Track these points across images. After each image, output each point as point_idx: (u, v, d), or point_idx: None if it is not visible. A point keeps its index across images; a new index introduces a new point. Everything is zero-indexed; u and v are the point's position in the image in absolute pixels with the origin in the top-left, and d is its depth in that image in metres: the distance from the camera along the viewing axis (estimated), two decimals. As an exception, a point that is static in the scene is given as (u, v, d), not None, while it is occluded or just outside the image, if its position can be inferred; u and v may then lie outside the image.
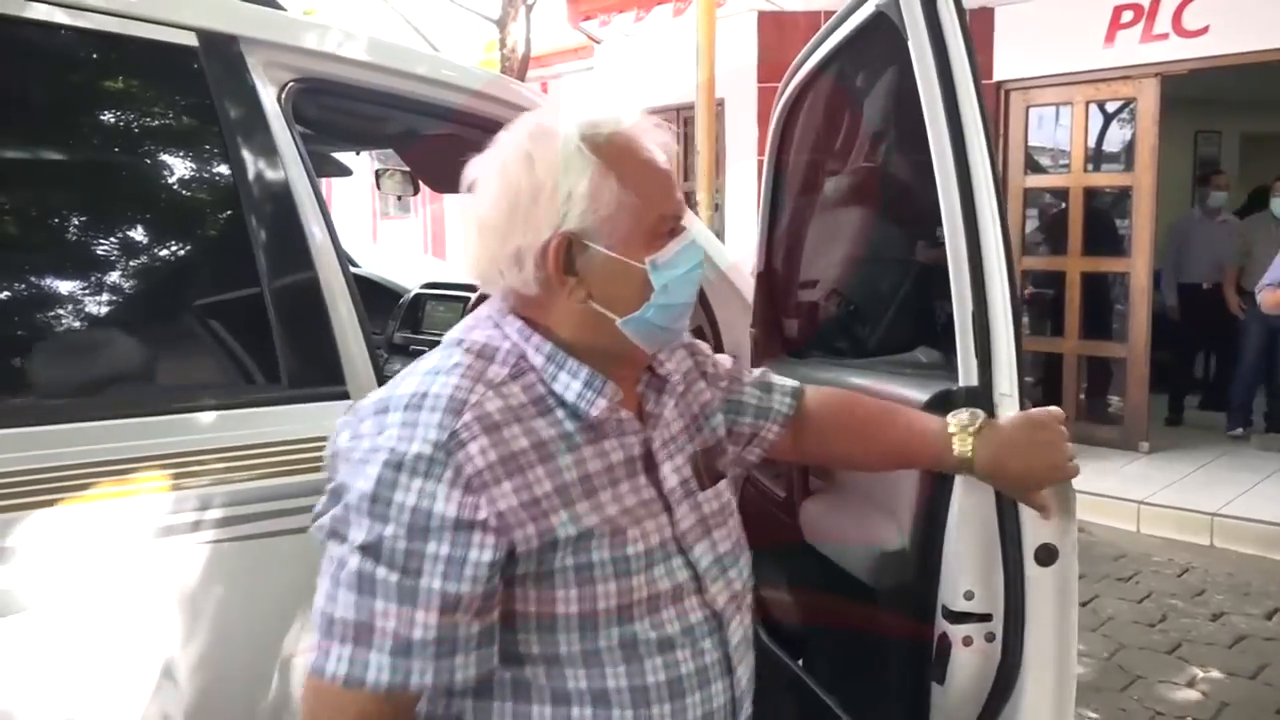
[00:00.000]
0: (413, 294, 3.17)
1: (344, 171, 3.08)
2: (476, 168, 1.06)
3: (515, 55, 6.59)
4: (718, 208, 7.02)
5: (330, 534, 0.98)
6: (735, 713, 1.14)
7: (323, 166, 2.77)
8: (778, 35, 6.69)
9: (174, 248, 1.70)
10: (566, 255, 1.03)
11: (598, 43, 7.74)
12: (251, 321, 1.61)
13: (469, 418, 0.98)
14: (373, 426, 0.99)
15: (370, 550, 0.95)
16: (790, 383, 1.39)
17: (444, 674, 0.96)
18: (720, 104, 6.52)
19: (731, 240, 7.08)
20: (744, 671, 1.16)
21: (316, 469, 1.10)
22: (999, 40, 6.48)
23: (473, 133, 2.23)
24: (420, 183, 2.80)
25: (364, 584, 0.95)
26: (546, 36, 7.93)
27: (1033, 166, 7.25)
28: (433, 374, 1.01)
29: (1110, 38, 6.11)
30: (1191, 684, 3.48)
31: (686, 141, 7.13)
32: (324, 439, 1.61)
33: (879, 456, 1.43)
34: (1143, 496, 5.28)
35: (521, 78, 6.61)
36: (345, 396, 1.61)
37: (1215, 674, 3.55)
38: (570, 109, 1.08)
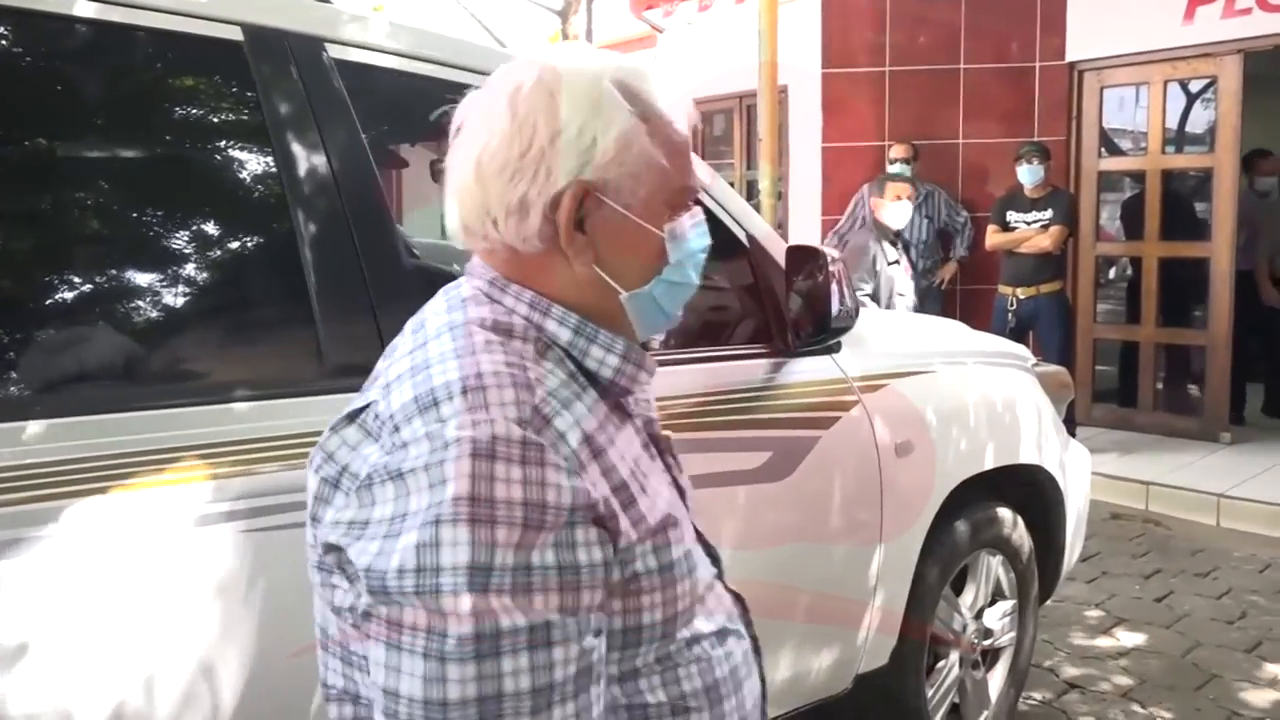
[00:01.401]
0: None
1: (400, 163, 3.10)
2: (473, 104, 0.94)
3: (577, 47, 6.63)
4: (780, 196, 6.95)
5: (390, 595, 0.77)
6: (765, 695, 1.08)
7: (380, 158, 2.80)
8: (842, 21, 6.58)
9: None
10: (579, 209, 0.91)
11: (660, 32, 7.71)
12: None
13: (543, 392, 0.85)
14: (423, 425, 0.81)
15: (479, 575, 0.75)
16: None
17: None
18: (783, 91, 6.45)
19: (795, 234, 7.01)
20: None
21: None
22: (1072, 20, 6.29)
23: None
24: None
25: (483, 639, 0.75)
26: (610, 27, 7.92)
27: (1110, 148, 7.05)
28: (469, 354, 0.86)
29: (1190, 14, 5.88)
30: (1273, 684, 3.35)
31: (749, 129, 7.10)
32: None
33: None
34: (1224, 489, 5.09)
35: (583, 69, 6.65)
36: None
37: (1299, 673, 3.42)
38: (586, 48, 0.99)
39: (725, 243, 2.28)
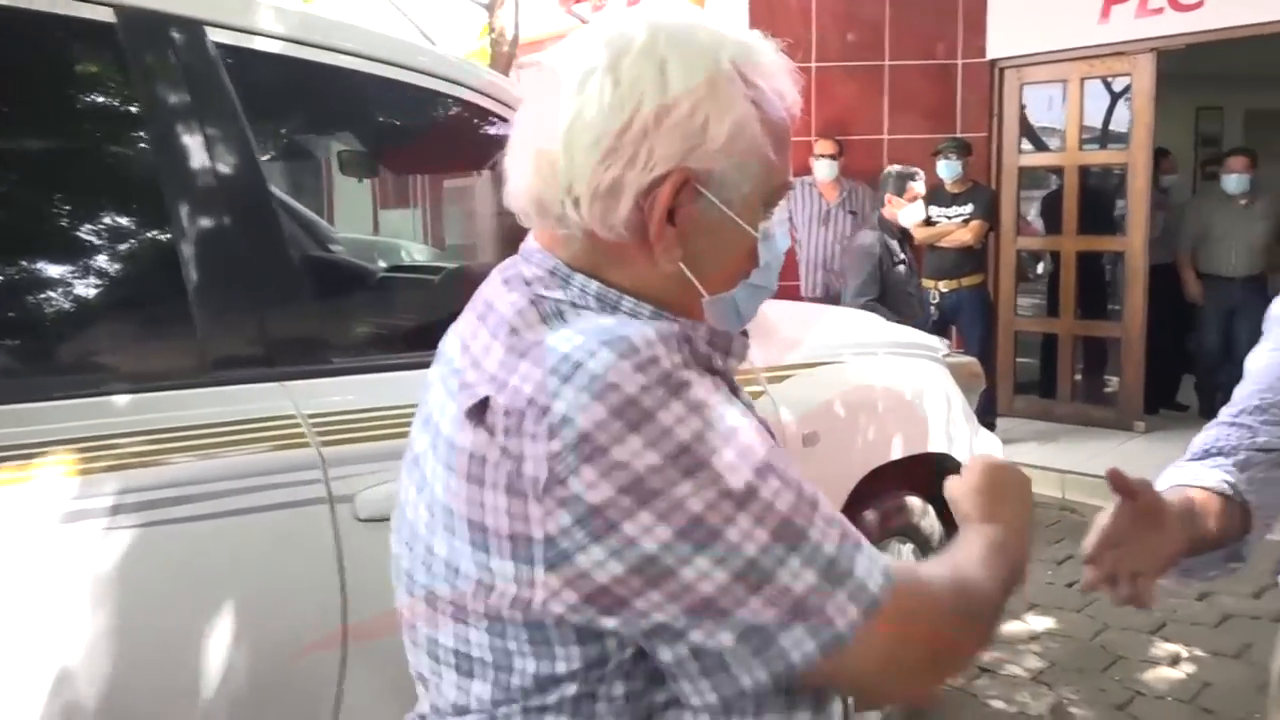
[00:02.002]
0: (379, 276, 3.16)
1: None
2: (560, 62, 0.83)
3: (504, 40, 6.54)
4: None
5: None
6: None
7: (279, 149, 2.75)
8: (769, 16, 6.62)
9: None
10: (676, 199, 0.81)
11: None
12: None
13: (679, 358, 0.77)
14: (577, 393, 0.74)
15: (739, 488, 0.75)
16: None
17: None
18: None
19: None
20: None
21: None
22: (992, 18, 6.40)
23: (418, 114, 2.23)
24: (380, 166, 2.78)
25: (786, 527, 0.76)
26: (537, 21, 7.87)
27: (1038, 145, 7.20)
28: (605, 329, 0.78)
29: (1105, 13, 6.02)
30: (1174, 663, 3.45)
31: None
32: (250, 421, 1.64)
33: None
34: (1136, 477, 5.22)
35: (509, 63, 6.55)
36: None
37: (1199, 653, 3.52)
38: (693, 8, 0.86)
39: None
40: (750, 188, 0.84)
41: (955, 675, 2.06)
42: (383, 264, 3.30)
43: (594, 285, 0.84)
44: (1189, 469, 1.33)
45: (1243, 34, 5.60)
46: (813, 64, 6.62)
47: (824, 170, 6.13)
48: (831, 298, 5.89)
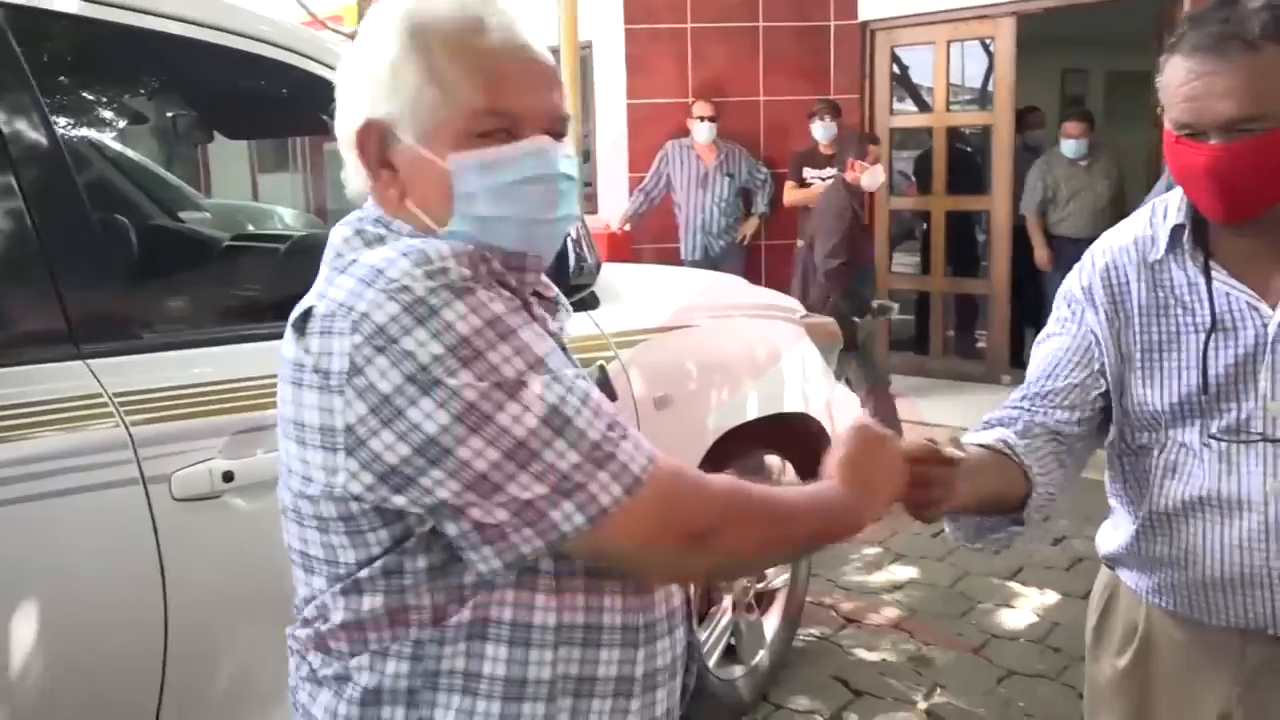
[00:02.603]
0: (223, 245, 3.04)
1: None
2: None
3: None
4: (587, 156, 6.92)
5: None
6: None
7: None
8: (643, -25, 6.58)
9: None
10: (379, 144, 0.95)
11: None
12: None
13: (468, 272, 0.88)
14: (375, 296, 0.85)
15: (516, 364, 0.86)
16: None
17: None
18: (587, 47, 6.41)
19: (603, 191, 7.00)
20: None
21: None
22: (862, -20, 6.48)
23: (249, 78, 2.15)
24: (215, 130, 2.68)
25: (552, 413, 0.86)
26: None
27: (922, 105, 7.33)
28: (389, 252, 0.90)
29: (967, -23, 6.16)
30: (1028, 606, 3.61)
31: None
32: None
33: None
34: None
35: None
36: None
37: (1051, 595, 3.69)
38: None
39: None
40: (429, 122, 0.94)
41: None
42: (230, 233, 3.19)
43: (406, 228, 0.97)
44: (973, 435, 1.38)
45: (1099, -1, 5.80)
46: (688, 24, 6.61)
47: (702, 133, 6.14)
48: (711, 261, 5.93)
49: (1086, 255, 1.42)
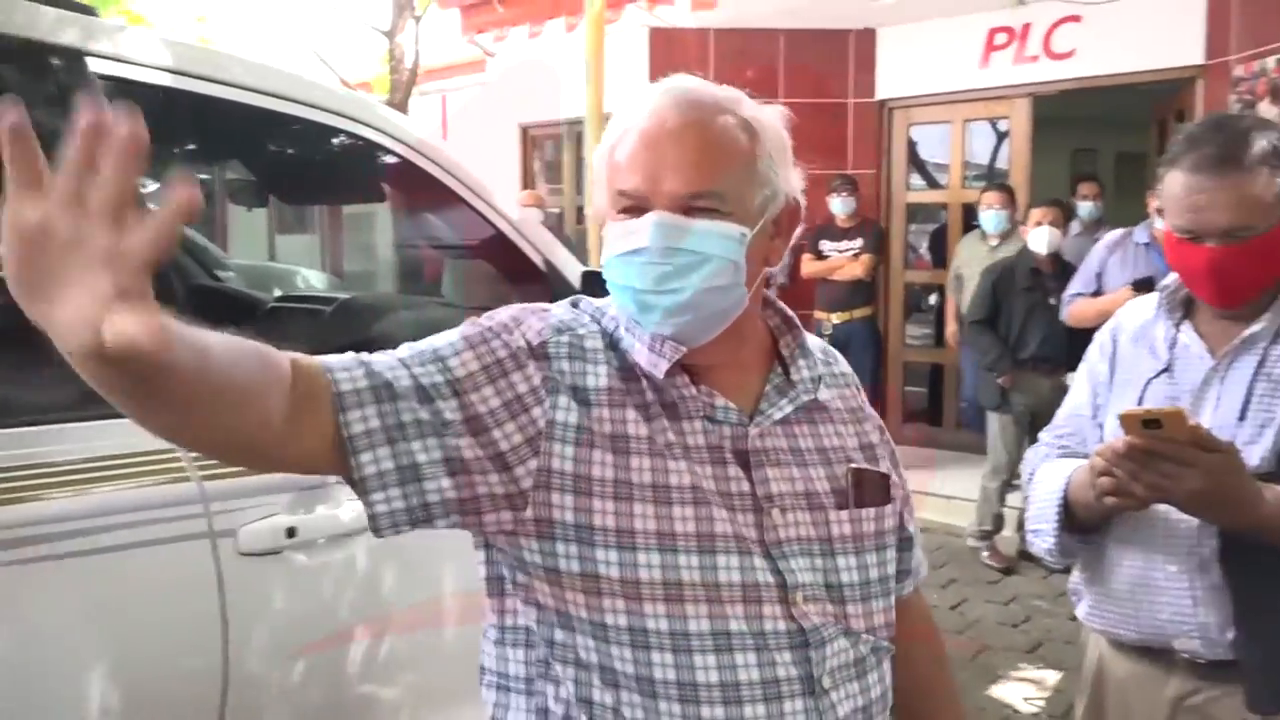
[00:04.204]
0: (268, 306, 3.12)
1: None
2: None
3: (403, 68, 6.53)
4: (609, 222, 7.04)
5: None
6: None
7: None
8: (667, 51, 6.77)
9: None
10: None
11: (491, 56, 7.73)
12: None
13: (566, 339, 1.04)
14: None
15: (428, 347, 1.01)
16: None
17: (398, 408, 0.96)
18: (610, 119, 6.56)
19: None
20: (841, 699, 1.05)
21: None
22: (881, 61, 6.67)
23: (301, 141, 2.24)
24: (271, 195, 2.77)
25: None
26: (440, 50, 7.89)
27: (931, 182, 7.47)
28: (561, 308, 1.10)
29: (985, 59, 6.33)
30: (1046, 682, 3.61)
31: (580, 155, 7.19)
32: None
33: None
34: (1012, 502, 5.44)
35: (409, 90, 6.55)
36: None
37: (1070, 671, 3.69)
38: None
39: (521, 267, 2.33)
40: (603, 199, 1.06)
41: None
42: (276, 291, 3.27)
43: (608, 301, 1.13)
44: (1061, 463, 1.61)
45: (1109, 82, 5.96)
46: (710, 100, 6.78)
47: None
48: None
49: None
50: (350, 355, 0.97)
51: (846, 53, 6.73)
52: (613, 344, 1.06)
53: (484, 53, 7.71)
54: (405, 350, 1.01)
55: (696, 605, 1.00)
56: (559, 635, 1.03)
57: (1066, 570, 1.70)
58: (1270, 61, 5.14)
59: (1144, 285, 3.25)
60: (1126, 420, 1.33)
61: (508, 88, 7.70)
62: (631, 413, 1.02)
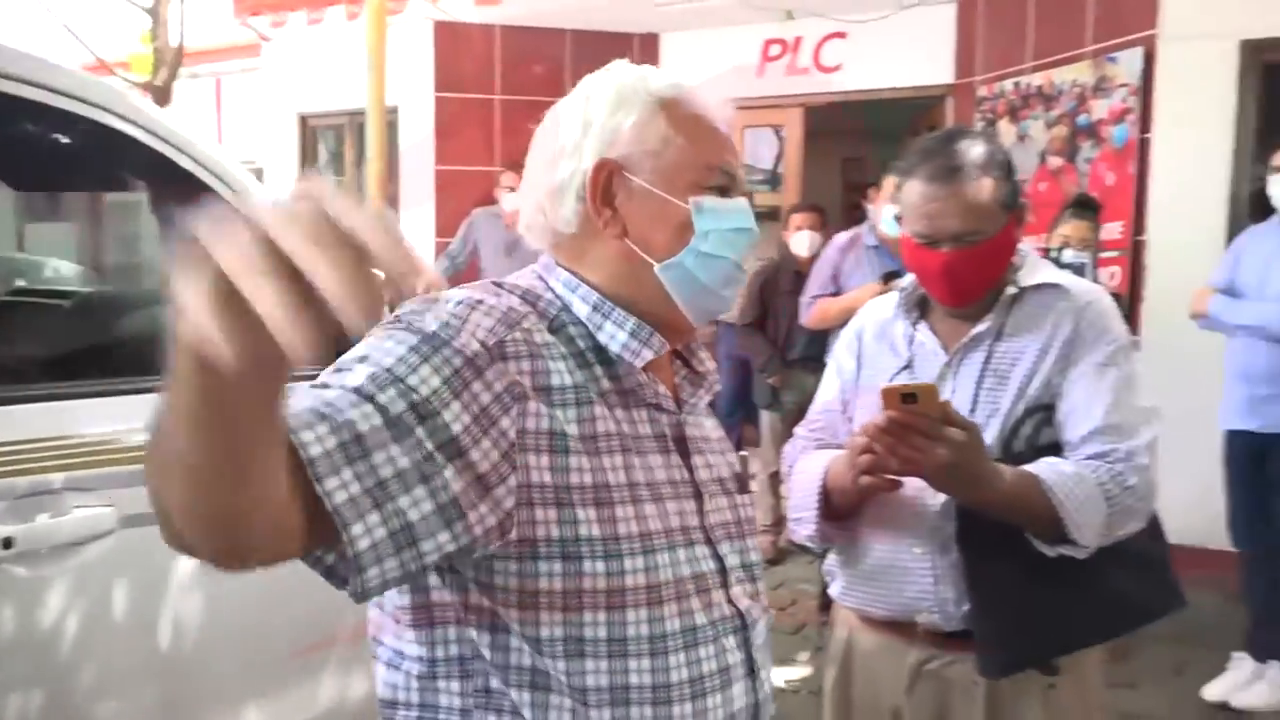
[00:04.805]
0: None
1: None
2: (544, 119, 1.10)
3: (167, 48, 6.14)
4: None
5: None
6: (757, 717, 1.09)
7: None
8: (453, 46, 6.70)
9: None
10: (607, 186, 1.03)
11: (267, 40, 7.39)
12: None
13: (519, 335, 0.97)
14: (423, 307, 0.94)
15: (387, 375, 0.87)
16: None
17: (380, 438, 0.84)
18: (394, 111, 6.43)
19: (409, 250, 6.97)
20: (766, 676, 1.12)
21: None
22: (665, 65, 6.83)
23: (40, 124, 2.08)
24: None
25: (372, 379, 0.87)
26: (209, 32, 7.47)
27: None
28: (489, 295, 1.00)
29: (761, 69, 6.62)
30: (805, 661, 3.80)
31: (361, 148, 6.99)
32: None
33: None
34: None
35: (174, 72, 6.17)
36: None
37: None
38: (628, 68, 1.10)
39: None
40: (670, 167, 1.04)
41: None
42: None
43: (564, 274, 1.07)
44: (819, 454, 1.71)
45: (872, 96, 6.37)
46: (496, 96, 6.76)
47: (510, 203, 6.25)
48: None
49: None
50: (306, 406, 0.82)
51: (632, 56, 6.77)
52: (555, 328, 1.03)
53: (259, 37, 7.36)
54: (360, 376, 0.86)
55: (669, 605, 1.00)
56: (515, 659, 0.97)
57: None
58: (1008, 84, 5.64)
59: (892, 277, 3.45)
60: (887, 395, 1.43)
61: (286, 75, 7.39)
62: (598, 408, 1.00)
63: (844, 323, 1.91)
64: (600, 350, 1.04)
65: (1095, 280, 3.49)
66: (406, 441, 0.84)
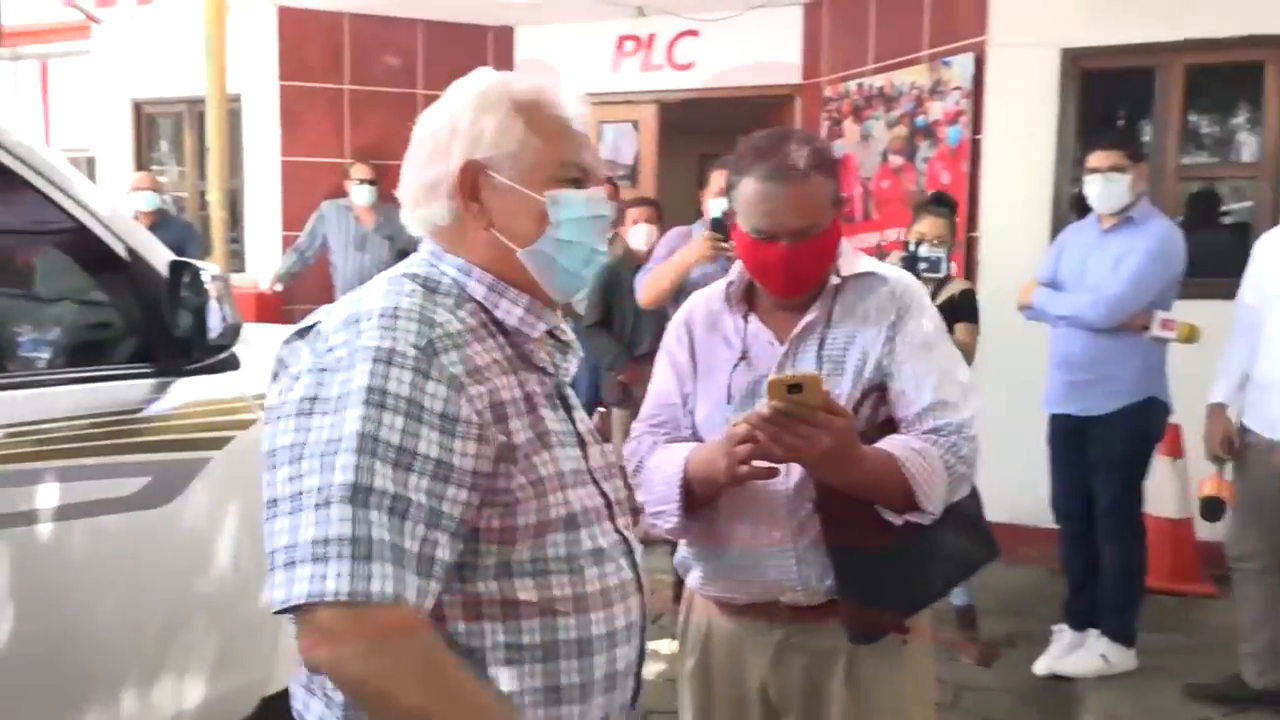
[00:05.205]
0: None
1: None
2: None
3: (-16, 27, 5.73)
4: (235, 211, 6.63)
5: (300, 462, 1.04)
6: (645, 628, 1.28)
7: None
8: (298, 33, 6.48)
9: None
10: (473, 184, 1.19)
11: (97, 22, 6.98)
12: None
13: (440, 332, 1.10)
14: (346, 336, 1.08)
15: (367, 442, 1.02)
16: None
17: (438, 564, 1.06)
18: (237, 100, 6.18)
19: (252, 249, 6.74)
20: (647, 593, 1.29)
21: None
22: (520, 58, 6.81)
23: None
24: None
25: (359, 491, 1.01)
26: (30, 11, 7.02)
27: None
28: (395, 295, 1.13)
29: (616, 65, 6.66)
30: (662, 651, 3.84)
31: (202, 140, 6.71)
32: None
33: None
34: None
35: (-9, 54, 5.76)
36: None
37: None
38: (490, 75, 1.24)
39: (102, 257, 2.14)
40: (528, 166, 1.20)
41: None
42: None
43: (458, 260, 1.21)
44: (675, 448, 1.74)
45: (724, 94, 6.50)
46: (345, 86, 6.59)
47: (362, 195, 6.09)
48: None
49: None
50: (401, 563, 1.02)
51: (485, 49, 6.80)
52: (456, 305, 1.17)
53: (87, 17, 6.95)
54: (418, 491, 1.04)
55: (584, 530, 1.20)
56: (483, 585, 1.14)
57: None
58: (852, 84, 5.84)
59: (717, 225, 3.46)
60: (773, 386, 1.47)
61: (118, 59, 7.00)
62: (521, 375, 1.19)
63: (677, 294, 1.92)
64: (498, 324, 1.20)
65: (949, 273, 3.66)
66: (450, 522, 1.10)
